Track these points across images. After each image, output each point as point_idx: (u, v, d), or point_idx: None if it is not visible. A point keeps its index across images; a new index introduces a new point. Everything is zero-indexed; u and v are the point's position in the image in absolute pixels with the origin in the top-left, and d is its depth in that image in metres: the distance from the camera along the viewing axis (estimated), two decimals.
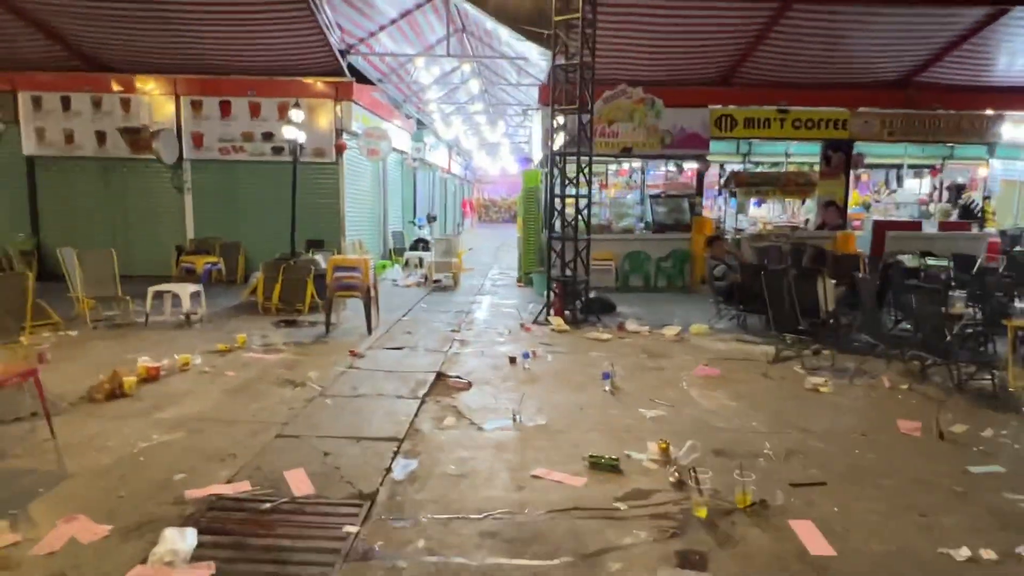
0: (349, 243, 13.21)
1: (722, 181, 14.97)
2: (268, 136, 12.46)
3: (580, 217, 9.00)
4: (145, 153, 12.16)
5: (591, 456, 4.20)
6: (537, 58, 11.98)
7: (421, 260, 15.40)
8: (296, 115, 9.95)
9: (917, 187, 18.35)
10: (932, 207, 15.74)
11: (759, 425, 4.97)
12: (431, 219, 19.12)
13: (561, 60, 8.84)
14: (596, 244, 11.45)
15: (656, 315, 9.63)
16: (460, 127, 23.18)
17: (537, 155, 14.60)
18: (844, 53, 11.93)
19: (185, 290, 8.39)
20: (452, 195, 31.29)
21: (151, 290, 8.39)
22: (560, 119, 9.30)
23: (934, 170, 19.30)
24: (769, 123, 12.87)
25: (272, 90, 12.37)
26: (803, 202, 16.96)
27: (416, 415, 5.18)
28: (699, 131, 12.72)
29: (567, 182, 9.18)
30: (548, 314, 9.12)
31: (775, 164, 16.63)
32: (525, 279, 13.14)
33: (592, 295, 9.56)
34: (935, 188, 18.28)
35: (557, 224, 9.21)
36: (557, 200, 9.18)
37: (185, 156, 12.58)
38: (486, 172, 42.05)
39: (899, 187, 18.58)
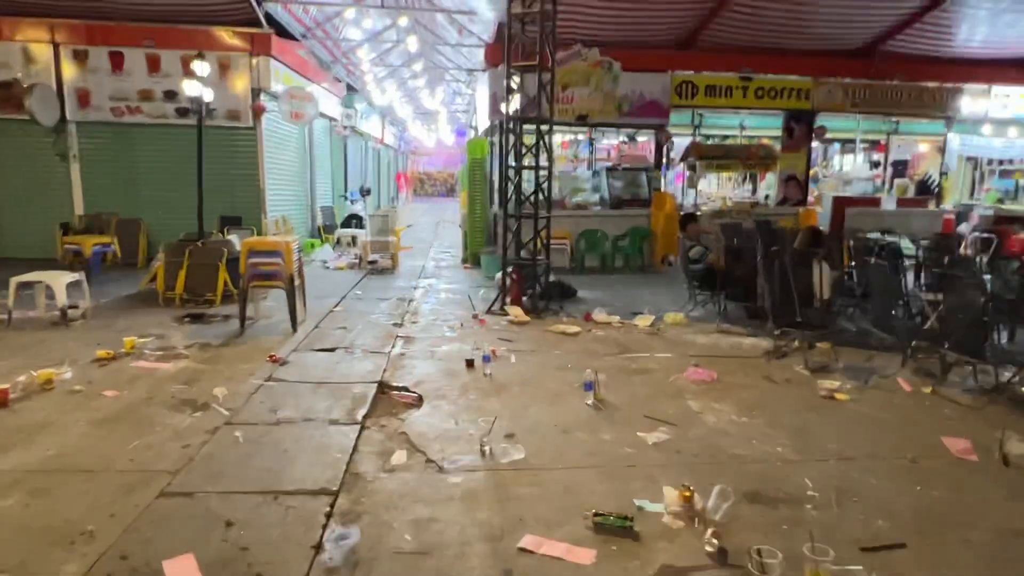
0: (271, 220, 11.65)
1: (669, 154, 14.11)
2: (171, 95, 10.68)
3: (540, 192, 7.87)
4: (16, 113, 10.17)
5: (595, 515, 3.15)
6: (484, 8, 10.67)
7: (354, 238, 13.95)
8: (200, 68, 8.33)
9: (847, 163, 18.24)
10: (886, 183, 15.46)
11: (786, 451, 4.03)
12: (365, 193, 17.58)
13: (518, 8, 7.61)
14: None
15: (622, 301, 8.68)
16: (394, 93, 21.49)
17: (482, 123, 13.33)
18: (810, 17, 11.17)
19: (59, 280, 6.79)
20: (386, 167, 29.52)
21: (14, 281, 6.75)
22: (515, 79, 8.09)
23: (880, 145, 19.25)
24: (731, 91, 12.06)
25: (174, 40, 10.57)
26: (747, 176, 16.49)
27: (355, 449, 3.98)
28: (659, 98, 11.77)
29: (524, 151, 8.04)
30: (504, 303, 8.01)
31: (725, 138, 15.97)
32: (471, 260, 11.96)
33: (551, 279, 8.51)
34: (877, 164, 18.24)
35: (509, 200, 8.06)
36: (513, 172, 8.02)
37: (68, 117, 10.66)
38: (421, 143, 40.23)
39: (831, 162, 18.46)
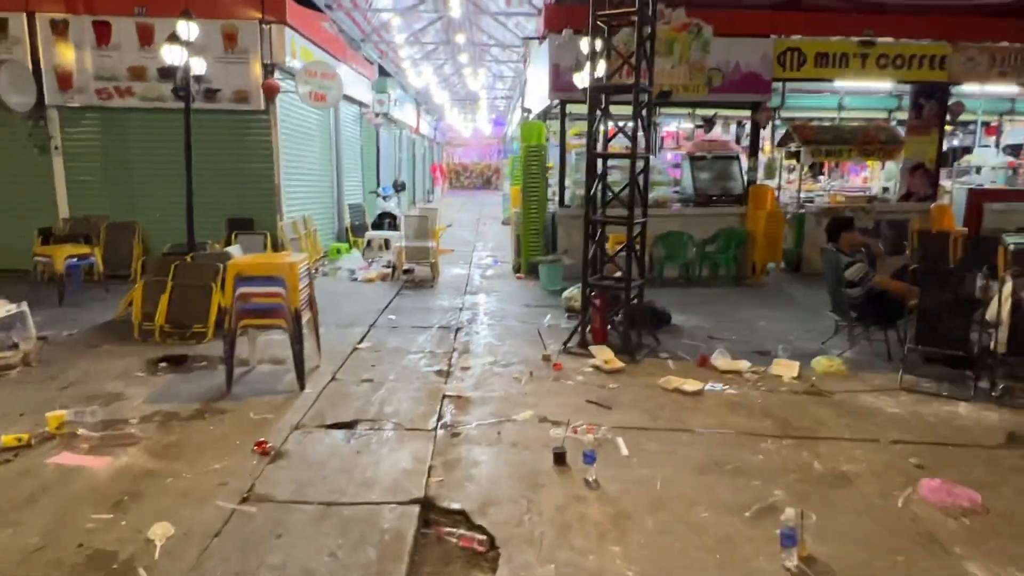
0: (288, 222, 9.79)
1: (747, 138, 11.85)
2: (168, 73, 8.83)
3: (636, 188, 5.77)
4: None
5: None
6: None
7: (387, 242, 12.06)
8: (186, 30, 6.45)
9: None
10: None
11: None
12: (399, 188, 15.67)
13: None
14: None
15: (733, 330, 6.58)
16: (431, 77, 19.52)
17: (537, 104, 11.25)
18: None
19: None
20: (421, 159, 27.66)
21: None
22: (592, 42, 5.98)
23: (990, 128, 16.68)
24: (847, 60, 9.73)
25: (169, 7, 8.67)
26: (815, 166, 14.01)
27: None
28: (758, 70, 9.52)
29: (612, 133, 5.98)
30: (584, 337, 5.97)
31: (810, 120, 13.56)
32: (526, 268, 9.94)
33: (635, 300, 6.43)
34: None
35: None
36: (598, 161, 5.96)
37: (48, 101, 8.91)
38: (457, 133, 38.36)
39: None
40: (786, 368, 5.32)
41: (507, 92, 25.79)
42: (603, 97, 5.91)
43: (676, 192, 10.49)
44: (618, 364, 5.43)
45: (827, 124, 11.43)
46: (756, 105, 9.90)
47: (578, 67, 6.88)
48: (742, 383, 5.10)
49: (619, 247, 6.13)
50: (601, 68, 6.09)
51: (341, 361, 5.57)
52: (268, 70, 9.10)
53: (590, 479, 3.48)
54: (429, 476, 3.53)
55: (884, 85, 10.81)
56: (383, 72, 17.44)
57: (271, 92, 9.03)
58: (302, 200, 10.60)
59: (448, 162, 42.13)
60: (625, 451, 3.86)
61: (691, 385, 4.93)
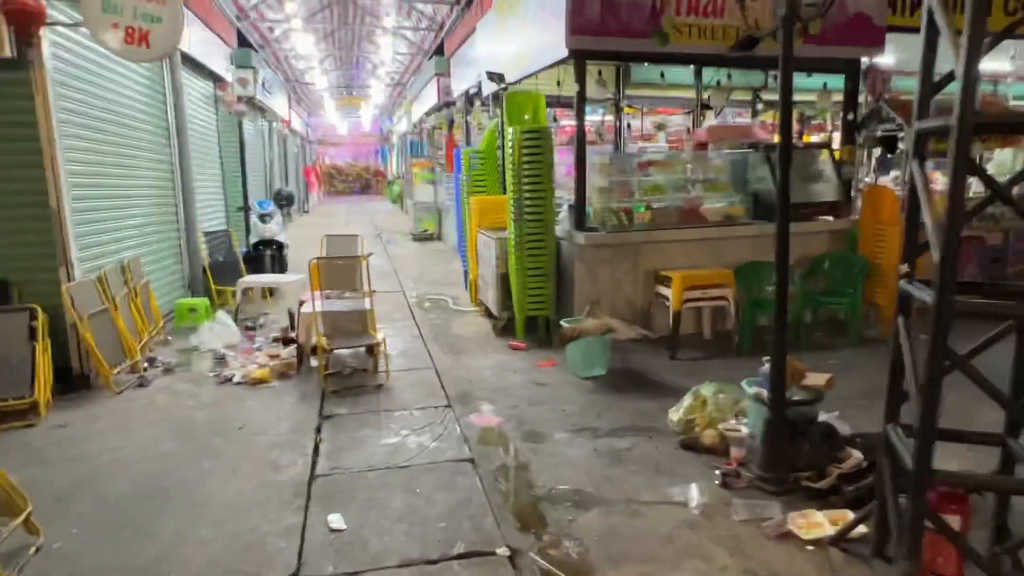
0: (87, 278, 5.15)
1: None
2: None
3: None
4: None
5: None
6: None
7: (272, 292, 7.65)
8: None
9: None
10: None
11: None
12: (283, 202, 10.97)
13: None
14: (671, 249, 5.85)
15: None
16: (311, 50, 14.83)
17: (521, 65, 7.28)
18: None
19: None
20: (294, 161, 22.56)
21: None
22: None
23: None
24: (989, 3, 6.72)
25: None
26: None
27: None
28: (870, 11, 6.24)
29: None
30: None
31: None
32: (522, 331, 6.04)
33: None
34: None
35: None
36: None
37: None
38: (331, 130, 33.20)
39: None
40: None
41: (395, 75, 21.42)
42: None
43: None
44: None
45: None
46: (854, 65, 6.62)
47: None
48: None
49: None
50: None
51: None
52: None
53: None
54: None
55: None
56: (244, 43, 12.72)
57: (26, 22, 4.39)
58: (118, 232, 5.95)
59: (320, 164, 36.72)
60: None
61: None
